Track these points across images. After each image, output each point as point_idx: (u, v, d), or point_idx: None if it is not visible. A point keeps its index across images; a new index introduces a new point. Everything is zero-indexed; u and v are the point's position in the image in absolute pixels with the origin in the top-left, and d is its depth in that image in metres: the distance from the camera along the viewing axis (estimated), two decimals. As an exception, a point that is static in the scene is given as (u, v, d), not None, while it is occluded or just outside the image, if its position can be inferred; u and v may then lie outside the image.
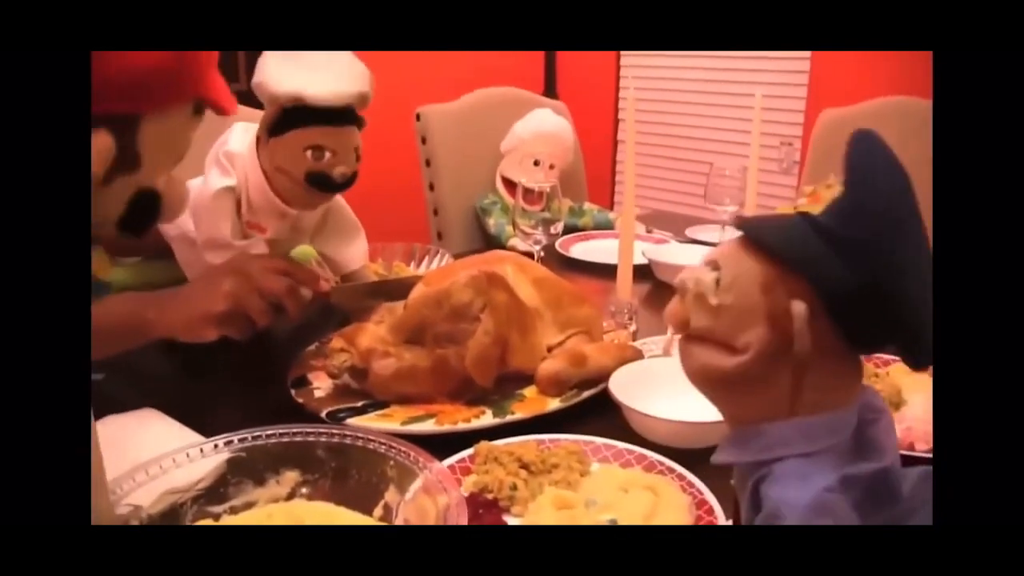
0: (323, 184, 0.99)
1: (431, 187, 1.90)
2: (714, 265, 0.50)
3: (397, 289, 1.06)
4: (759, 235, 0.48)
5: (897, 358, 0.64)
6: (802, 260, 0.46)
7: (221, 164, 1.04)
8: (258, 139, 1.02)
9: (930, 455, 0.80)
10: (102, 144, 0.47)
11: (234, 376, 1.08)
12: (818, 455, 0.48)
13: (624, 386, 0.90)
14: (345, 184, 1.01)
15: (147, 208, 0.53)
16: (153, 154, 0.51)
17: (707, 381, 0.50)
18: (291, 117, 0.97)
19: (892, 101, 2.04)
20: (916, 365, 0.48)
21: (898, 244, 0.45)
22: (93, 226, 0.49)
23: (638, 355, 0.99)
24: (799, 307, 0.45)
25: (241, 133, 1.05)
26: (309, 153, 0.97)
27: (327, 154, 0.98)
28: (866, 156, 0.47)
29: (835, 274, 0.45)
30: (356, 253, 1.19)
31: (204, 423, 0.88)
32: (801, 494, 0.46)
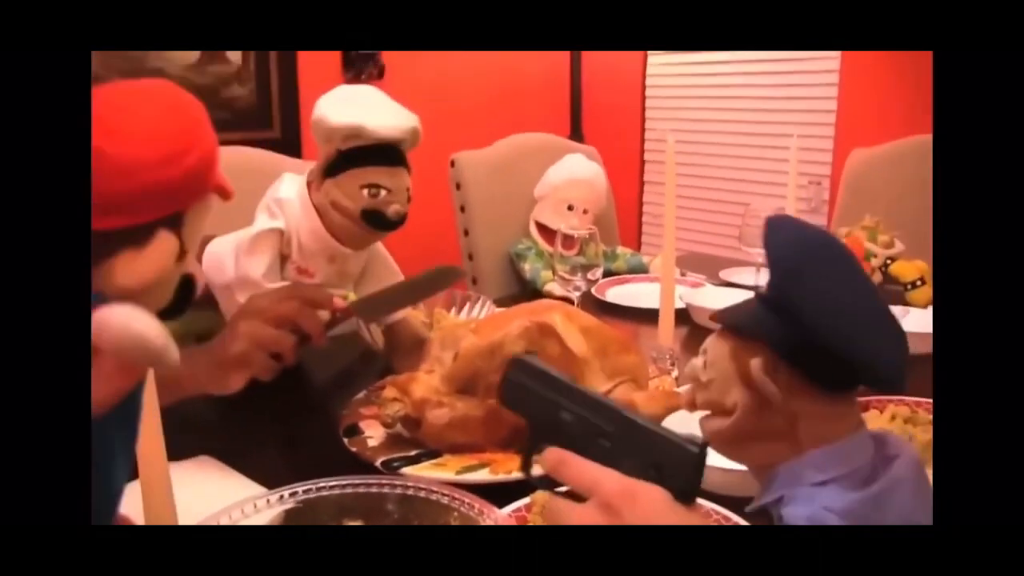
0: (378, 222, 1.03)
1: (466, 232, 1.93)
2: (703, 352, 0.63)
3: (417, 290, 1.07)
4: (722, 318, 0.62)
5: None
6: (750, 327, 0.59)
7: (270, 210, 1.07)
8: (310, 184, 1.06)
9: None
10: (170, 244, 0.51)
11: (283, 425, 1.09)
12: (830, 485, 0.56)
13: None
14: (399, 222, 1.05)
15: (189, 291, 0.57)
16: (192, 243, 0.55)
17: (720, 443, 0.62)
18: (348, 157, 1.02)
19: (922, 140, 2.05)
20: (885, 391, 0.59)
21: (821, 295, 0.55)
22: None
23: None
24: (755, 363, 0.57)
25: (290, 182, 1.09)
26: (366, 192, 1.02)
27: (383, 192, 1.02)
28: (776, 235, 0.58)
29: (777, 331, 0.57)
30: None
31: (261, 472, 0.89)
32: (804, 508, 0.55)
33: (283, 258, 1.09)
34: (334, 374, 1.32)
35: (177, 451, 0.92)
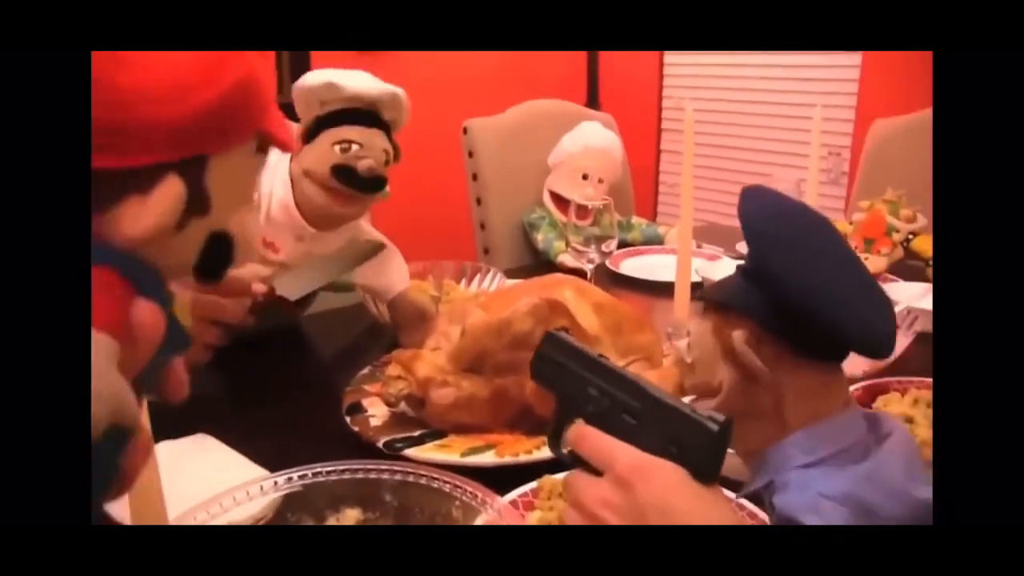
0: (349, 178, 1.00)
1: (478, 201, 1.89)
2: (687, 332, 0.63)
3: (339, 262, 1.05)
4: (703, 295, 0.62)
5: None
6: (731, 300, 0.58)
7: None
8: (292, 156, 1.04)
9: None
10: (174, 190, 0.45)
11: (284, 401, 1.06)
12: (821, 465, 0.54)
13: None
14: (371, 181, 1.01)
15: (221, 251, 0.51)
16: (222, 196, 0.49)
17: None
18: (323, 122, 1.01)
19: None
20: (874, 356, 0.56)
21: (800, 262, 0.54)
22: (169, 272, 0.47)
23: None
24: (737, 335, 0.56)
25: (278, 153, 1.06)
26: (337, 147, 1.00)
27: (354, 147, 1.00)
28: (751, 205, 0.57)
29: (759, 302, 0.56)
30: (396, 276, 1.17)
31: (259, 450, 0.86)
32: (798, 496, 0.53)
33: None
34: (339, 348, 1.30)
35: (175, 428, 0.90)
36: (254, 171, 0.52)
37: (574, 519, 0.54)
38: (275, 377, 1.13)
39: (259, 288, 0.90)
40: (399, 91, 1.04)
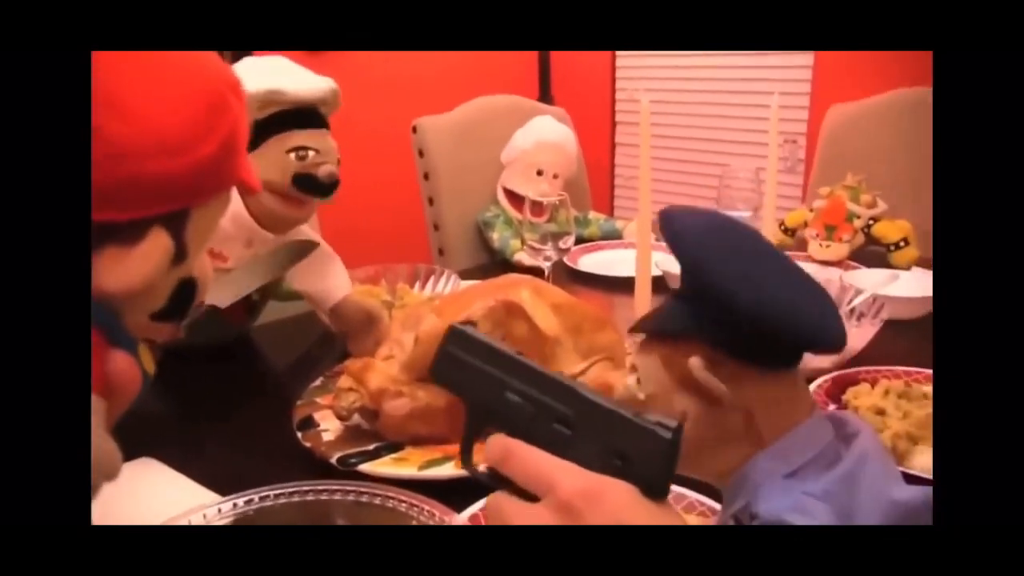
0: (311, 186, 0.98)
1: (430, 201, 1.84)
2: (633, 369, 0.59)
3: (268, 264, 1.00)
4: (643, 328, 0.57)
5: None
6: (677, 327, 0.54)
7: None
8: None
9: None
10: (163, 244, 0.45)
11: (233, 418, 1.01)
12: (800, 473, 0.52)
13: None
14: (332, 186, 0.99)
15: (188, 296, 0.50)
16: (196, 243, 0.49)
17: (684, 462, 0.51)
18: (267, 125, 0.96)
19: (901, 93, 1.99)
20: (830, 352, 0.54)
21: (736, 273, 0.51)
22: (131, 318, 0.47)
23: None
24: (693, 361, 0.52)
25: None
26: (292, 155, 0.97)
27: (311, 153, 0.97)
28: (673, 226, 0.55)
29: (705, 323, 0.52)
30: (335, 283, 1.12)
31: (208, 473, 0.82)
32: (783, 500, 0.51)
33: None
34: (291, 359, 1.25)
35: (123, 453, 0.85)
36: (221, 216, 0.50)
37: None
38: (224, 392, 1.09)
39: None
40: (335, 85, 1.01)
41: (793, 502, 0.51)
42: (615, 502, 0.46)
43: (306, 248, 1.03)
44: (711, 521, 0.72)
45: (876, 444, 0.55)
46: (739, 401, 0.53)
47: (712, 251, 0.53)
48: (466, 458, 0.53)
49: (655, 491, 0.47)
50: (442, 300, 1.02)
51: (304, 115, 0.97)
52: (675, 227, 0.55)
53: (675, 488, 0.77)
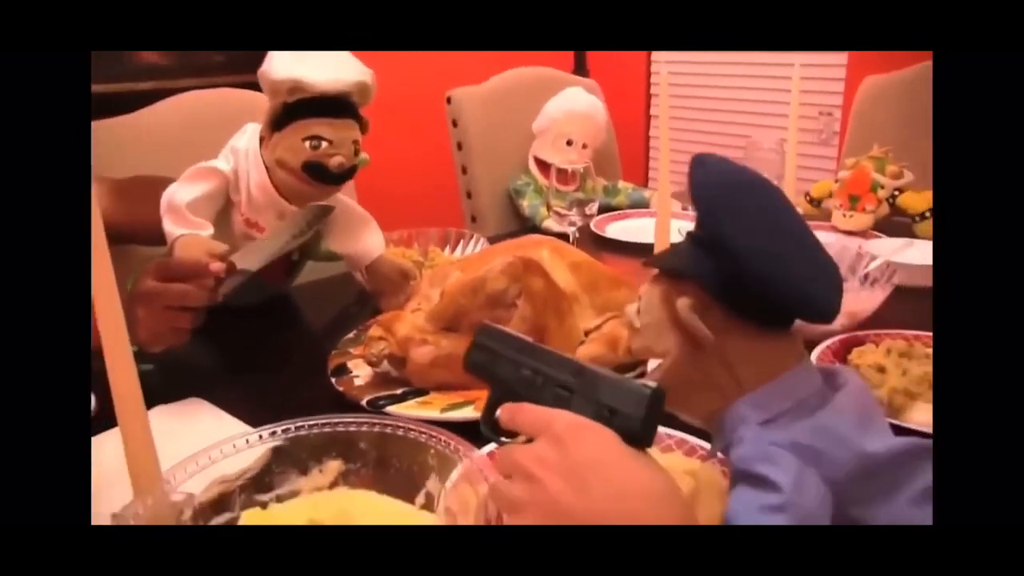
0: (320, 174, 1.01)
1: (463, 170, 1.90)
2: (637, 298, 0.62)
3: (292, 230, 1.04)
4: (652, 262, 0.61)
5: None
6: (680, 266, 0.58)
7: (225, 156, 1.07)
8: (262, 138, 1.04)
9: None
10: None
11: (277, 365, 1.09)
12: (775, 422, 0.55)
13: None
14: (342, 176, 1.03)
15: None
16: None
17: (671, 400, 0.57)
18: (292, 111, 1.00)
19: (929, 65, 1.98)
20: (818, 323, 0.55)
21: (749, 229, 0.54)
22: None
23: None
24: (681, 302, 0.56)
25: (252, 132, 1.07)
26: (307, 143, 1.00)
27: (324, 144, 1.00)
28: (699, 171, 0.57)
29: (707, 269, 0.56)
30: (370, 244, 1.18)
31: (250, 412, 0.89)
32: (751, 450, 0.54)
33: (232, 205, 1.07)
34: (328, 316, 1.32)
35: (169, 393, 0.93)
36: None
37: (507, 478, 0.55)
38: (266, 345, 1.16)
39: (217, 267, 0.92)
40: (367, 78, 1.03)
41: (761, 451, 0.54)
42: (595, 439, 0.53)
43: (324, 211, 1.08)
44: (712, 462, 0.77)
45: (860, 398, 0.57)
46: (721, 350, 0.56)
47: (728, 201, 0.55)
48: (488, 427, 0.63)
49: (638, 439, 0.54)
50: (467, 258, 1.08)
51: (329, 104, 1.00)
52: (699, 173, 0.58)
53: (676, 433, 0.83)
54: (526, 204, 1.79)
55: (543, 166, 1.82)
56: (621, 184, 1.92)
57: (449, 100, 1.88)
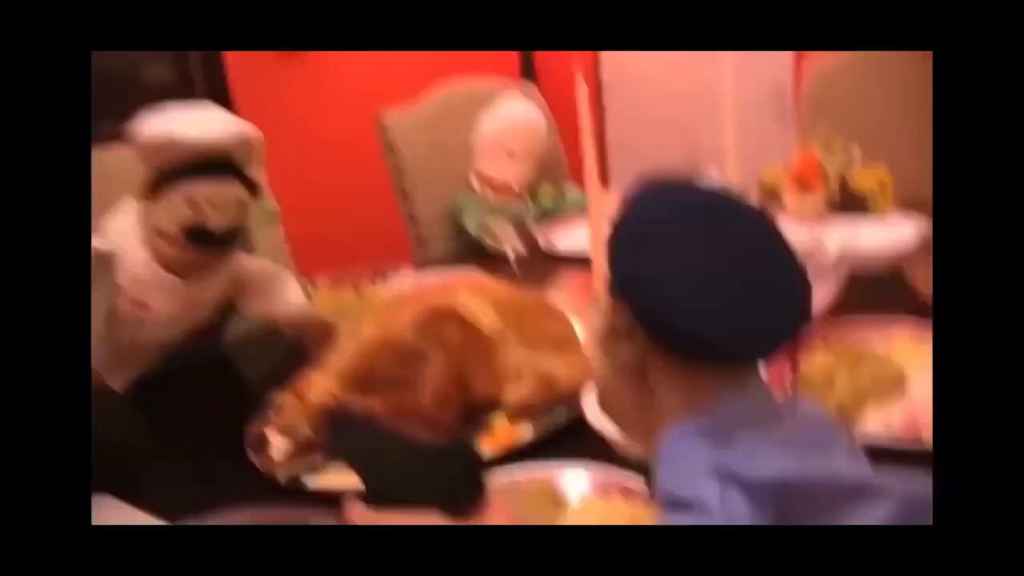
0: (202, 238, 0.95)
1: (404, 195, 1.84)
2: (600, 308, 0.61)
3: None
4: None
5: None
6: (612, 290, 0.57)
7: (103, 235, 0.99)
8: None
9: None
10: None
11: (190, 443, 1.02)
12: (700, 449, 0.53)
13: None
14: (227, 239, 0.97)
15: None
16: None
17: (618, 420, 0.64)
18: (166, 175, 0.93)
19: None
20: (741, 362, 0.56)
21: (653, 278, 0.53)
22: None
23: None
24: (599, 324, 0.59)
25: (125, 210, 1.00)
26: (187, 208, 0.93)
27: (204, 206, 0.93)
28: (625, 203, 0.57)
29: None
30: (289, 300, 1.12)
31: (161, 503, 0.83)
32: (673, 477, 0.54)
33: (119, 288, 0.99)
34: (265, 374, 1.25)
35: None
36: None
37: None
38: (192, 417, 1.10)
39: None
40: (246, 133, 0.96)
41: (684, 478, 0.53)
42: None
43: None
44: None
45: (807, 425, 0.57)
46: (642, 375, 0.55)
47: (631, 239, 0.54)
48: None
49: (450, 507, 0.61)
50: (379, 309, 1.02)
51: (208, 164, 0.93)
52: (625, 204, 0.56)
53: (614, 472, 0.78)
54: (470, 222, 1.72)
55: (485, 181, 1.75)
56: (568, 188, 1.85)
57: (382, 126, 1.82)
